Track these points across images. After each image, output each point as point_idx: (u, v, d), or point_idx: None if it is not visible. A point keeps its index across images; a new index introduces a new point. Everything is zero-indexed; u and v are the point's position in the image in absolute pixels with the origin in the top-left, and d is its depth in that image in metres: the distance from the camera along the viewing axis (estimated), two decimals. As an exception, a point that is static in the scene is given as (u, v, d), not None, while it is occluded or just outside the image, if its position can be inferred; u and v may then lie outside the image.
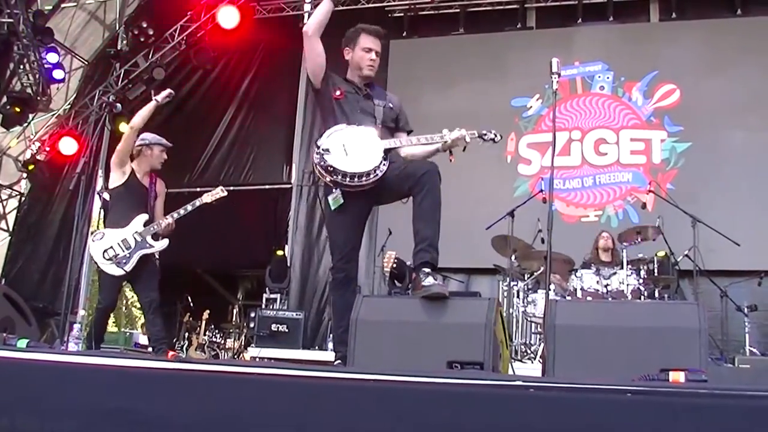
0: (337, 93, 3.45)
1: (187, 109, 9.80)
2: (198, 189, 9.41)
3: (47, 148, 9.24)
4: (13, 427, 2.26)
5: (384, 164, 3.26)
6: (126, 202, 4.70)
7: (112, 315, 10.56)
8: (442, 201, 3.24)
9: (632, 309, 3.32)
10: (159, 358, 4.66)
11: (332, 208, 3.32)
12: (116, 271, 4.58)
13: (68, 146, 9.14)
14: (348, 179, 3.21)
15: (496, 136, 3.50)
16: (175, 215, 4.70)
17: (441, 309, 2.95)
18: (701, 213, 6.33)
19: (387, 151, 3.31)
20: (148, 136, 4.82)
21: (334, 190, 3.32)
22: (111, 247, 4.58)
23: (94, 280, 8.84)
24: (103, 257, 4.58)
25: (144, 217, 4.65)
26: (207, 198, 4.79)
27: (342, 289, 3.45)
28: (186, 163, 9.39)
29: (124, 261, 4.57)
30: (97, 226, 8.83)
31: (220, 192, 4.79)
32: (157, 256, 4.72)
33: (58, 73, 8.82)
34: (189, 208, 4.71)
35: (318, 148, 3.25)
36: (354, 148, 3.25)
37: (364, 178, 3.22)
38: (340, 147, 3.24)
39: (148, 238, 4.61)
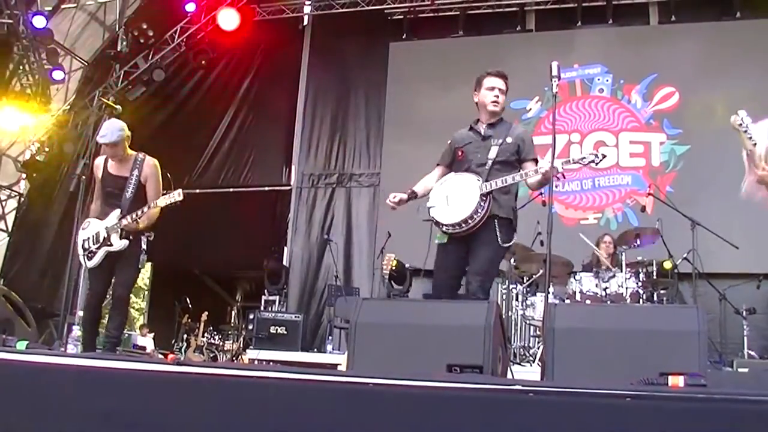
0: (459, 154, 3.96)
1: (186, 111, 9.81)
2: (197, 190, 9.50)
3: (46, 149, 9.23)
4: (12, 428, 2.26)
5: (481, 209, 3.69)
6: (103, 195, 4.68)
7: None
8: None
9: (631, 312, 3.32)
10: (155, 360, 4.66)
11: (435, 241, 3.87)
12: (85, 263, 4.60)
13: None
14: (450, 229, 3.75)
15: (597, 157, 3.71)
16: (135, 215, 4.47)
17: (440, 312, 2.95)
18: (700, 216, 6.32)
19: (486, 195, 3.71)
20: (100, 131, 4.71)
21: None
22: (88, 238, 4.60)
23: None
24: (82, 247, 4.61)
25: (117, 212, 4.58)
26: (162, 202, 4.50)
27: None
28: (185, 164, 9.36)
29: (90, 255, 4.57)
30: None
31: (176, 196, 4.46)
32: (144, 247, 4.61)
33: (57, 74, 8.81)
34: (145, 209, 4.51)
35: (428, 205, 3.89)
36: (455, 197, 3.79)
37: (463, 226, 3.71)
38: (443, 199, 3.82)
39: (113, 237, 4.52)
